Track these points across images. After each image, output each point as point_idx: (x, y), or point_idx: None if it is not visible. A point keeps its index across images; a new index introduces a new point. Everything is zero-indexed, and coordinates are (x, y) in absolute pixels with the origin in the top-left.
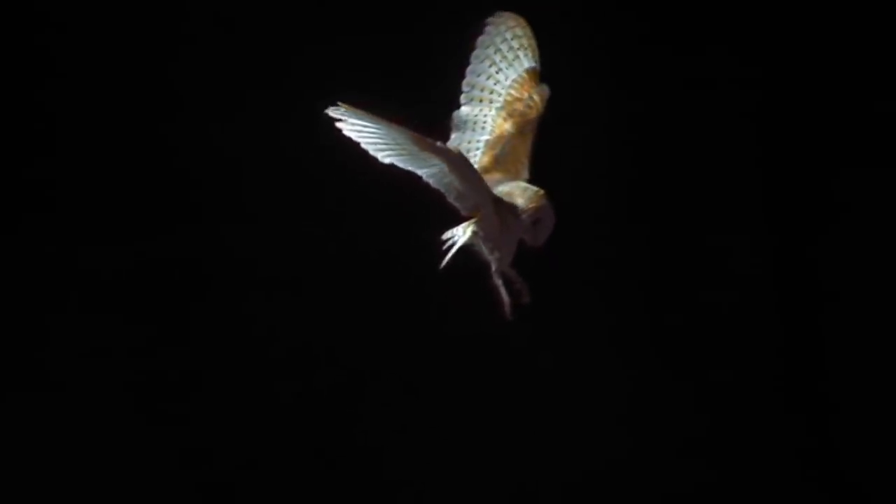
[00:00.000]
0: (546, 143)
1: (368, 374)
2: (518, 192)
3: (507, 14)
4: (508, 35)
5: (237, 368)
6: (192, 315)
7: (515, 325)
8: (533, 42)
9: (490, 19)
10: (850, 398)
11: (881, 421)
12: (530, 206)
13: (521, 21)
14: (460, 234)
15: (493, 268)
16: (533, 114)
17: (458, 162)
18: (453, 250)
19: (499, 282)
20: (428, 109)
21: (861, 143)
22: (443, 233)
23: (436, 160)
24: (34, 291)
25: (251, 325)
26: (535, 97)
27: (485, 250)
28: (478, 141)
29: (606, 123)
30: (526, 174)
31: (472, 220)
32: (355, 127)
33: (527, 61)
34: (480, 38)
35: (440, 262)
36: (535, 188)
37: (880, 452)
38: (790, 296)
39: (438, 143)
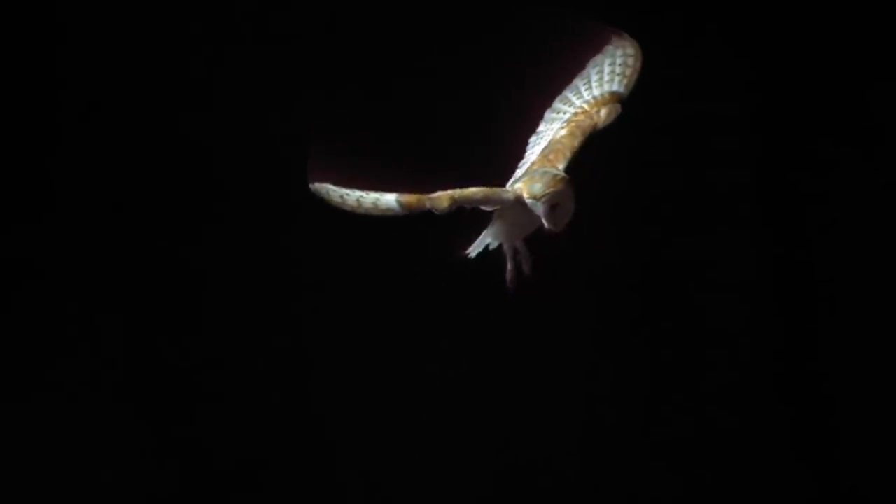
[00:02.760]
0: None
1: (368, 372)
2: (538, 176)
3: (630, 40)
4: (619, 60)
5: (237, 368)
6: (193, 314)
7: (513, 323)
8: (636, 74)
9: (614, 40)
10: (850, 399)
11: (880, 421)
12: (548, 190)
13: (638, 51)
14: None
15: (505, 245)
16: (589, 122)
17: (457, 202)
18: (479, 242)
19: (509, 254)
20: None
21: (860, 145)
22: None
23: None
24: (34, 291)
25: (251, 326)
26: (603, 112)
27: (500, 235)
28: (535, 153)
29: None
30: (562, 165)
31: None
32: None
33: (618, 86)
34: (596, 57)
35: (466, 251)
36: (555, 172)
37: (880, 453)
38: (789, 297)
39: (428, 200)
